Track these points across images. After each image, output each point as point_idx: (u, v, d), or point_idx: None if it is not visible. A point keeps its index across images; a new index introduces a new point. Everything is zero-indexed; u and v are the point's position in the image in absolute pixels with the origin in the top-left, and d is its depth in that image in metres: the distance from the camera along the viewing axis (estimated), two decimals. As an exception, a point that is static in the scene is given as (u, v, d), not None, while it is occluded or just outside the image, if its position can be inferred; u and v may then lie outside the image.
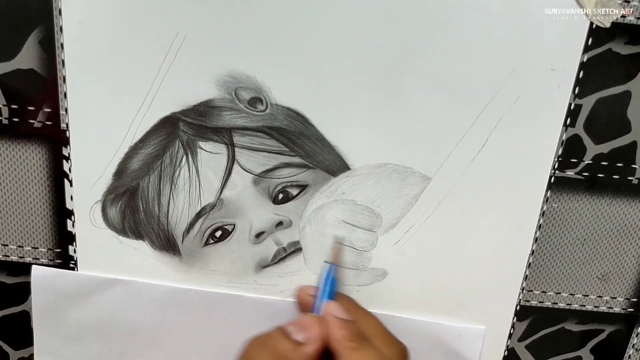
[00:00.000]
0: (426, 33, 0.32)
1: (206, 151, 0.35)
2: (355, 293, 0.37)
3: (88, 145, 0.35)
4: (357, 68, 0.33)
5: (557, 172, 0.35)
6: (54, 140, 0.35)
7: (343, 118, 0.34)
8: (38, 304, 0.38)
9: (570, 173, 0.35)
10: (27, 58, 0.33)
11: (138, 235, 0.37)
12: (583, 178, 0.36)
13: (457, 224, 0.36)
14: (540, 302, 0.39)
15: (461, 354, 0.38)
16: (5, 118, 0.35)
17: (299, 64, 0.33)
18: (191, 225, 0.36)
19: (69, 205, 0.36)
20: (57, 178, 0.36)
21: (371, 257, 0.37)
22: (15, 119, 0.35)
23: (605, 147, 0.35)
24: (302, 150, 0.34)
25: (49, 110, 0.34)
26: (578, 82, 0.33)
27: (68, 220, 0.37)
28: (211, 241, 0.37)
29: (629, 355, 0.40)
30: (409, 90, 0.33)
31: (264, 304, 0.38)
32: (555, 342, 0.40)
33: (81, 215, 0.36)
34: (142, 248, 0.37)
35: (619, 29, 0.32)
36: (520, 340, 0.40)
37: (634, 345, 0.40)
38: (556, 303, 0.39)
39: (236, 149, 0.34)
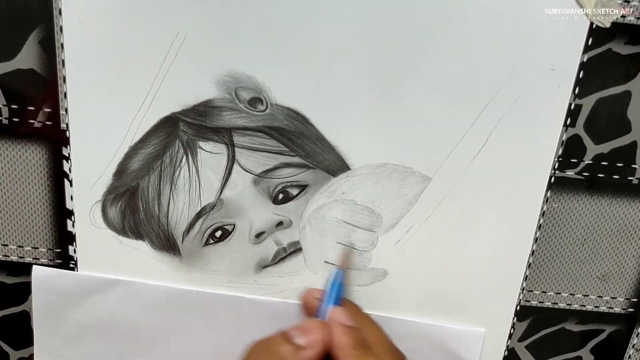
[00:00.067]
0: (426, 33, 0.32)
1: (206, 151, 0.35)
2: (355, 293, 0.37)
3: (88, 145, 0.35)
4: (357, 68, 0.33)
5: (557, 172, 0.35)
6: (54, 140, 0.35)
7: (343, 118, 0.34)
8: (38, 304, 0.38)
9: (570, 173, 0.35)
10: (27, 58, 0.33)
11: (138, 235, 0.37)
12: (583, 178, 0.36)
13: (457, 224, 0.36)
14: (540, 302, 0.39)
15: (461, 356, 0.38)
16: (5, 118, 0.35)
17: (299, 64, 0.33)
18: (191, 225, 0.36)
19: (69, 205, 0.36)
20: (57, 178, 0.36)
21: (371, 257, 0.37)
22: (15, 119, 0.35)
23: (605, 147, 0.35)
24: (302, 150, 0.34)
25: (49, 110, 0.34)
26: (578, 82, 0.33)
27: (68, 220, 0.37)
28: (211, 241, 0.37)
29: (629, 355, 0.40)
30: (409, 90, 0.33)
31: (264, 305, 0.38)
32: (556, 342, 0.40)
33: (81, 215, 0.36)
34: (142, 248, 0.37)
35: (619, 29, 0.32)
36: (520, 340, 0.40)
37: (634, 345, 0.40)
38: (556, 303, 0.39)
39: (236, 149, 0.34)
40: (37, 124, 0.35)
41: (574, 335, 0.40)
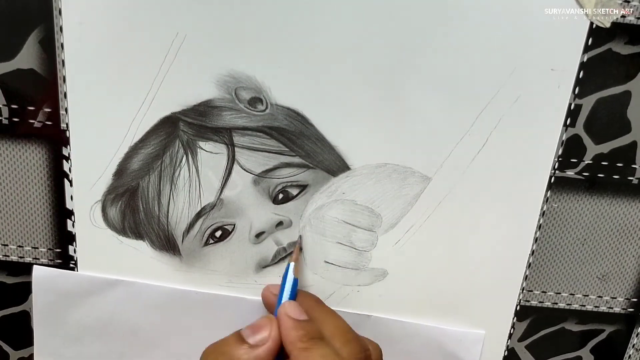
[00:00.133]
0: (426, 33, 0.32)
1: (206, 151, 0.35)
2: (355, 293, 0.37)
3: (88, 145, 0.35)
4: (357, 68, 0.33)
5: (557, 172, 0.35)
6: (54, 140, 0.35)
7: (343, 118, 0.34)
8: (39, 304, 0.38)
9: (570, 173, 0.35)
10: (27, 58, 0.33)
11: (138, 235, 0.37)
12: (583, 178, 0.36)
13: (457, 224, 0.36)
14: (540, 302, 0.39)
15: (461, 357, 0.38)
16: (5, 118, 0.35)
17: (299, 64, 0.33)
18: (191, 225, 0.36)
19: (69, 205, 0.36)
20: (57, 178, 0.36)
21: (371, 257, 0.37)
22: (15, 119, 0.35)
23: (605, 147, 0.35)
24: (302, 150, 0.34)
25: (49, 110, 0.34)
26: (578, 82, 0.33)
27: (68, 220, 0.37)
28: (211, 241, 0.37)
29: (629, 355, 0.40)
30: (409, 90, 0.33)
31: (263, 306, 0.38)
32: (555, 342, 0.40)
33: (81, 215, 0.36)
34: (142, 248, 0.37)
35: (619, 29, 0.32)
36: (520, 340, 0.40)
37: (634, 345, 0.40)
38: (556, 303, 0.39)
39: (236, 149, 0.34)
40: (37, 124, 0.35)
41: (573, 335, 0.40)
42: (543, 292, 0.38)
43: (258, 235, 0.36)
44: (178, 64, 0.33)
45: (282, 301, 0.33)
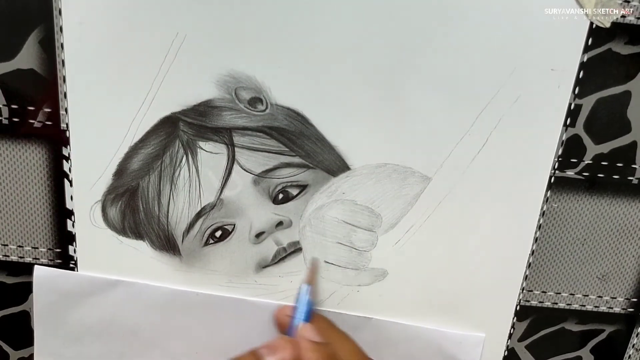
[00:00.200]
0: (426, 33, 0.32)
1: (206, 151, 0.35)
2: (355, 293, 0.37)
3: (88, 145, 0.35)
4: (357, 68, 0.33)
5: (557, 172, 0.35)
6: (54, 140, 0.35)
7: (343, 118, 0.34)
8: (39, 304, 0.38)
9: (570, 173, 0.35)
10: (27, 58, 0.33)
11: (138, 235, 0.37)
12: (583, 178, 0.36)
13: (457, 224, 0.36)
14: (540, 302, 0.39)
15: None
16: (5, 118, 0.35)
17: (299, 64, 0.33)
18: (191, 225, 0.36)
19: (69, 205, 0.36)
20: (57, 178, 0.36)
21: (371, 257, 0.37)
22: (15, 119, 0.35)
23: (605, 147, 0.35)
24: (302, 150, 0.34)
25: (49, 110, 0.34)
26: (578, 82, 0.33)
27: (68, 220, 0.37)
28: (211, 241, 0.37)
29: (629, 355, 0.40)
30: (409, 90, 0.33)
31: (264, 307, 0.38)
32: (555, 342, 0.40)
33: (81, 215, 0.36)
34: (142, 248, 0.37)
35: (619, 29, 0.32)
36: (520, 340, 0.40)
37: (634, 345, 0.40)
38: (556, 303, 0.39)
39: (236, 149, 0.34)
40: (37, 124, 0.35)
41: (573, 335, 0.40)
42: (543, 292, 0.38)
43: (258, 235, 0.36)
44: (178, 64, 0.33)
45: (298, 323, 0.34)
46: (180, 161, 0.35)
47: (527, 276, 0.38)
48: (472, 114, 0.33)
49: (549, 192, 0.36)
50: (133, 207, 0.36)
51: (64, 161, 0.35)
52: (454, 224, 0.36)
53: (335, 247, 0.37)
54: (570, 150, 0.35)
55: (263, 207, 0.36)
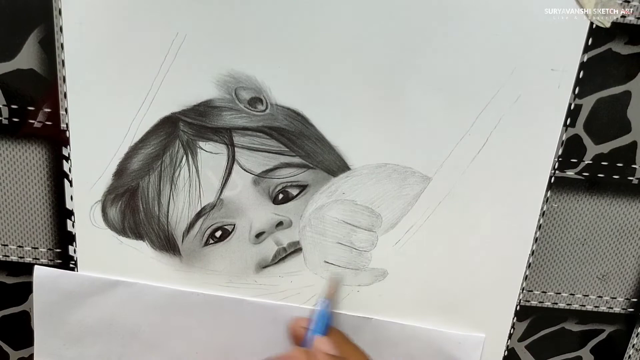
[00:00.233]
0: (426, 33, 0.32)
1: (206, 151, 0.35)
2: (355, 293, 0.37)
3: (88, 145, 0.35)
4: (357, 68, 0.33)
5: (557, 172, 0.35)
6: (54, 140, 0.35)
7: (343, 118, 0.34)
8: (39, 304, 0.38)
9: (570, 173, 0.35)
10: (27, 58, 0.33)
11: (138, 236, 0.37)
12: (583, 178, 0.36)
13: (457, 224, 0.36)
14: (540, 302, 0.39)
15: None
16: (5, 118, 0.35)
17: (299, 64, 0.33)
18: (191, 225, 0.36)
19: (69, 205, 0.36)
20: (57, 178, 0.36)
21: (371, 257, 0.37)
22: (16, 119, 0.35)
23: (605, 147, 0.35)
24: (302, 150, 0.34)
25: (49, 110, 0.34)
26: (578, 82, 0.33)
27: (68, 220, 0.37)
28: (211, 241, 0.37)
29: (629, 355, 0.40)
30: (409, 90, 0.33)
31: (264, 307, 0.38)
32: (555, 342, 0.40)
33: (81, 215, 0.36)
34: (142, 248, 0.37)
35: (619, 29, 0.32)
36: (520, 340, 0.40)
37: (634, 345, 0.40)
38: (556, 303, 0.39)
39: (236, 149, 0.34)
40: (37, 124, 0.35)
41: (574, 335, 0.40)
42: (543, 292, 0.38)
43: (258, 236, 0.36)
44: (178, 64, 0.33)
45: (314, 335, 0.34)
46: (180, 161, 0.35)
47: (527, 276, 0.38)
48: (472, 114, 0.33)
49: (549, 192, 0.36)
50: (133, 207, 0.36)
51: (64, 161, 0.35)
52: (454, 224, 0.36)
53: (335, 247, 0.37)
54: (570, 150, 0.35)
55: (263, 207, 0.36)
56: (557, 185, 0.35)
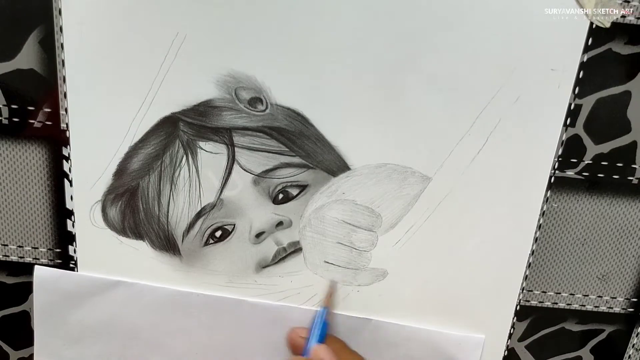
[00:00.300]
0: (426, 33, 0.32)
1: (206, 151, 0.35)
2: (355, 293, 0.37)
3: (88, 145, 0.35)
4: (357, 68, 0.33)
5: (557, 172, 0.35)
6: (54, 140, 0.35)
7: (343, 118, 0.34)
8: (39, 304, 0.38)
9: (570, 173, 0.35)
10: (27, 58, 0.33)
11: (138, 235, 0.37)
12: (583, 178, 0.36)
13: (457, 224, 0.36)
14: (540, 302, 0.39)
15: None
16: (5, 118, 0.35)
17: (299, 64, 0.33)
18: (191, 225, 0.36)
19: (69, 205, 0.36)
20: (57, 178, 0.36)
21: (371, 257, 0.37)
22: (15, 119, 0.35)
23: (605, 147, 0.35)
24: (302, 150, 0.34)
25: (49, 110, 0.34)
26: (578, 82, 0.33)
27: (68, 220, 0.37)
28: (211, 241, 0.37)
29: (629, 355, 0.40)
30: (409, 90, 0.33)
31: (264, 308, 0.38)
32: (556, 342, 0.40)
33: (81, 215, 0.36)
34: (142, 248, 0.37)
35: (619, 29, 0.32)
36: (520, 340, 0.40)
37: (634, 345, 0.40)
38: (556, 303, 0.39)
39: (236, 149, 0.34)
40: (37, 124, 0.35)
41: (574, 335, 0.40)
42: (543, 292, 0.38)
43: (258, 235, 0.36)
44: (178, 64, 0.33)
45: (313, 343, 0.34)
46: (180, 161, 0.35)
47: (527, 276, 0.38)
48: (472, 114, 0.33)
49: (549, 192, 0.36)
50: (133, 207, 0.36)
51: (64, 161, 0.35)
52: (454, 224, 0.36)
53: (335, 247, 0.37)
54: (570, 150, 0.35)
55: (263, 207, 0.36)
56: (557, 185, 0.36)
